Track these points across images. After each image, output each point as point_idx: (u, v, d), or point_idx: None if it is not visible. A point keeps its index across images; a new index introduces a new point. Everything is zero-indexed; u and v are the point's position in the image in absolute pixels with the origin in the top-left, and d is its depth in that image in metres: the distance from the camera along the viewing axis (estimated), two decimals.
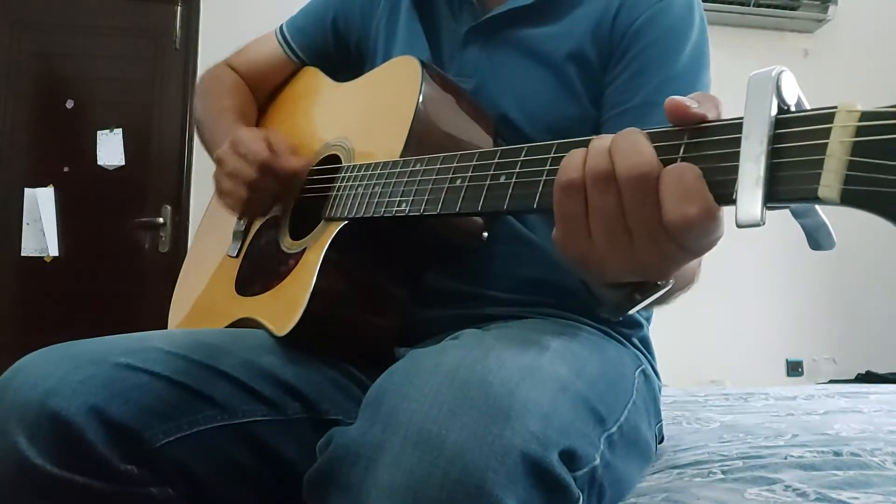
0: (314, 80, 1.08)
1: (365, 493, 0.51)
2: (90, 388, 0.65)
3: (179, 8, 3.04)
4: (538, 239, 0.85)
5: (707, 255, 0.69)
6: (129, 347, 0.72)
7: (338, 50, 1.08)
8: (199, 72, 2.84)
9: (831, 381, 3.13)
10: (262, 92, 1.14)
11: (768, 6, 3.35)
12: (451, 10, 0.95)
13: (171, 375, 0.70)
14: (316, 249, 0.80)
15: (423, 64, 0.84)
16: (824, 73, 3.04)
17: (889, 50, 3.34)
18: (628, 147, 0.49)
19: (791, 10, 3.38)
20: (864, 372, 3.34)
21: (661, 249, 0.49)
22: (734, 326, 3.29)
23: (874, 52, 3.33)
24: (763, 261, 3.36)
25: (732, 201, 0.43)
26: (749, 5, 3.32)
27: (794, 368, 3.43)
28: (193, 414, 0.70)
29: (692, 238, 0.48)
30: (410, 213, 0.68)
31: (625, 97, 0.82)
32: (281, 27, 1.12)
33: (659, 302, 0.59)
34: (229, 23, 2.78)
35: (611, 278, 0.54)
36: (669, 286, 0.55)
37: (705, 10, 0.89)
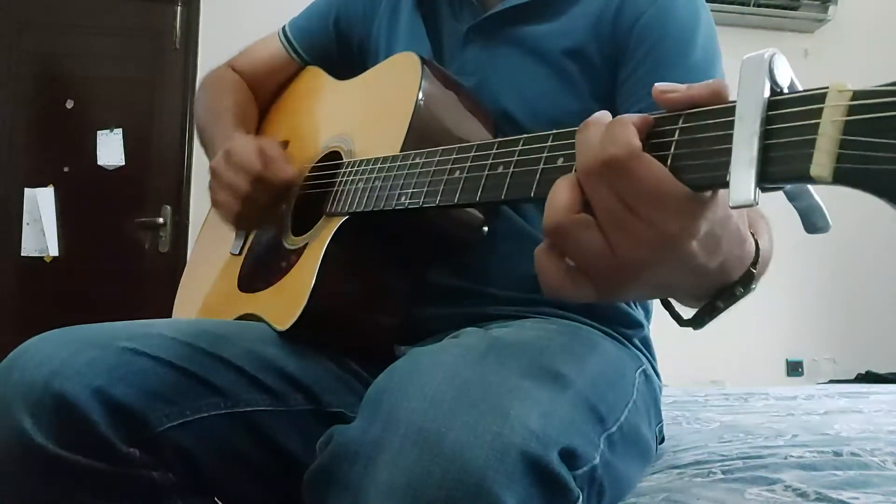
0: (315, 79, 1.08)
1: (364, 491, 0.51)
2: (95, 370, 0.66)
3: (179, 8, 3.03)
4: (539, 235, 0.85)
5: None
6: (134, 333, 0.72)
7: (340, 49, 1.08)
8: (200, 72, 2.87)
9: (831, 381, 3.13)
10: (265, 93, 1.14)
11: (768, 6, 3.34)
12: (452, 10, 0.96)
13: (174, 361, 0.71)
14: (317, 245, 0.80)
15: (423, 60, 0.84)
16: (824, 73, 3.00)
17: (889, 50, 3.34)
18: (598, 134, 0.46)
19: (791, 10, 3.38)
20: (864, 372, 3.33)
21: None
22: (734, 326, 3.27)
23: (874, 52, 3.32)
24: None
25: (726, 183, 0.43)
26: (749, 5, 3.31)
27: (794, 368, 3.43)
28: (196, 400, 0.70)
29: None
30: (410, 206, 0.68)
31: (645, 92, 0.81)
32: (283, 28, 1.12)
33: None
34: (229, 23, 2.78)
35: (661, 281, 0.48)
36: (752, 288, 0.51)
37: None
